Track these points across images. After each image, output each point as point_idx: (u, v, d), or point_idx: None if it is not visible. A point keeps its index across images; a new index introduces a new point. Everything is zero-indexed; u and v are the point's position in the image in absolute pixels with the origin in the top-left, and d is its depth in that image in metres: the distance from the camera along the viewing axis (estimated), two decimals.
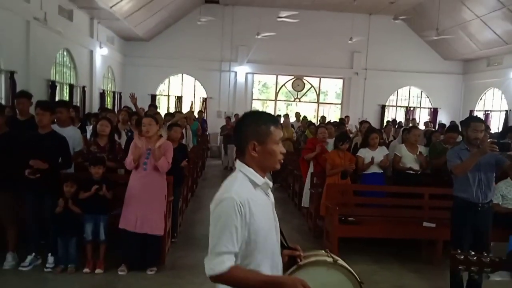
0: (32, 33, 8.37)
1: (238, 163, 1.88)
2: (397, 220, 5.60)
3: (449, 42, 14.48)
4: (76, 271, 4.57)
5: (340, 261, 2.01)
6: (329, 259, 1.97)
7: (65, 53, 10.71)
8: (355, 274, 1.98)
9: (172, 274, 4.70)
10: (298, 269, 1.97)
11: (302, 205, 7.15)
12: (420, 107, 17.14)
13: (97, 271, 4.59)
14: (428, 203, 5.61)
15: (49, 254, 4.63)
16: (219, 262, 1.69)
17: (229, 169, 11.93)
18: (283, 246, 1.98)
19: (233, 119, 13.11)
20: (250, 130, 1.84)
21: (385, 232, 5.33)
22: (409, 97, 17.10)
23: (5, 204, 4.60)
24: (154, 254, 4.72)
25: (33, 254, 4.68)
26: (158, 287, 4.37)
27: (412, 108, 16.92)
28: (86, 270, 4.59)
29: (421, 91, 16.98)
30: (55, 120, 5.22)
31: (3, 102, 7.42)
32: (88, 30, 11.85)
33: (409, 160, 5.87)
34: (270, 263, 1.84)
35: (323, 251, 2.15)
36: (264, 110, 18.22)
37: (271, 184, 1.89)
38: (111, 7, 10.52)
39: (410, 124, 11.63)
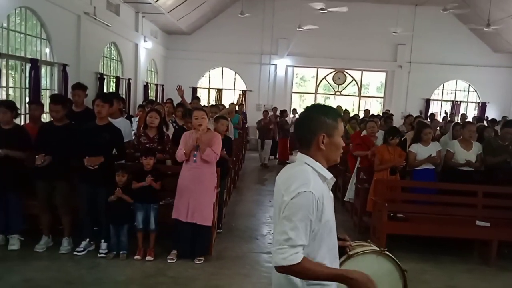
0: (83, 27, 8.64)
1: (301, 156, 1.88)
2: (449, 218, 5.41)
3: (500, 34, 13.81)
4: (127, 258, 4.71)
5: (386, 251, 2.11)
6: (376, 248, 2.06)
7: (112, 47, 11.01)
8: (399, 262, 2.05)
9: (219, 265, 4.76)
10: (348, 259, 2.08)
11: (345, 199, 7.05)
12: (467, 102, 16.49)
13: (147, 258, 4.71)
14: (482, 202, 5.39)
15: (102, 241, 4.80)
16: (293, 253, 1.69)
17: (264, 166, 11.87)
18: None
19: (270, 113, 12.93)
20: (319, 123, 1.85)
21: (436, 230, 5.16)
22: (455, 91, 16.48)
23: (61, 194, 4.79)
24: (203, 244, 4.79)
25: (87, 240, 4.86)
26: (206, 276, 4.43)
27: (458, 103, 16.31)
28: (137, 257, 4.72)
29: (469, 85, 16.32)
30: None
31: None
32: (134, 24, 12.11)
33: (463, 157, 5.66)
34: (332, 255, 1.88)
35: (367, 242, 2.24)
36: (301, 103, 18.18)
37: (335, 179, 1.92)
38: (155, 1, 10.70)
39: (456, 119, 11.25)
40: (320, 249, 1.80)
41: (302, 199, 1.72)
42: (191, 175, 4.68)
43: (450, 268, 4.98)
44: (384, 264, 1.99)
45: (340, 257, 2.02)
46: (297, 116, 13.61)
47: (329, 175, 1.87)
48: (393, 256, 1.97)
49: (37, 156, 4.55)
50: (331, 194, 1.93)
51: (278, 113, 13.26)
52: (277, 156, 12.84)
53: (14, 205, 4.83)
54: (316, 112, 1.89)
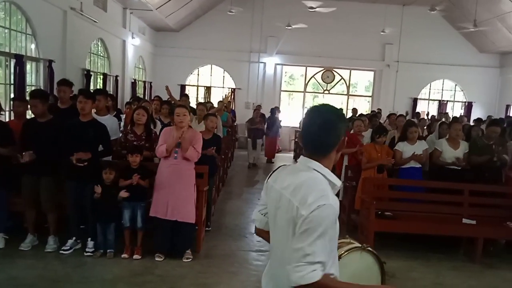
0: (69, 23, 8.51)
1: (307, 160, 1.75)
2: (436, 216, 5.47)
3: (486, 34, 13.99)
4: (115, 257, 4.67)
5: (365, 245, 2.10)
6: (358, 244, 2.04)
7: (99, 43, 10.88)
8: (378, 254, 2.08)
9: (207, 263, 4.74)
10: (338, 260, 1.98)
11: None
12: (454, 101, 16.67)
13: (135, 257, 4.67)
14: (468, 200, 5.45)
15: (89, 239, 4.75)
16: (312, 271, 1.58)
17: (251, 167, 11.59)
18: None
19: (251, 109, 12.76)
20: (342, 125, 1.75)
21: (423, 228, 5.21)
22: (442, 90, 16.65)
23: (46, 190, 4.72)
24: (184, 241, 4.76)
25: (74, 238, 4.80)
26: (194, 274, 4.41)
27: (445, 102, 16.48)
28: (124, 255, 4.68)
29: (455, 85, 16.51)
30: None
31: None
32: (121, 21, 11.98)
33: (450, 156, 5.72)
34: (336, 267, 1.79)
35: (346, 238, 2.23)
36: (290, 101, 18.19)
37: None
38: None
39: (443, 118, 11.36)
40: (329, 260, 1.69)
41: (323, 213, 1.59)
42: (170, 171, 4.65)
43: (437, 265, 5.03)
44: (367, 259, 1.98)
45: None
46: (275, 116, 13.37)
47: (338, 182, 1.76)
48: (374, 251, 1.96)
49: (24, 153, 4.47)
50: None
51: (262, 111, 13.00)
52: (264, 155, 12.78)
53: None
54: (335, 115, 1.76)
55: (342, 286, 1.68)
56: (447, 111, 15.05)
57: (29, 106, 4.87)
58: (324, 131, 1.72)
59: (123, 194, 4.60)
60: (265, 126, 12.25)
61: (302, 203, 1.62)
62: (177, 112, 4.73)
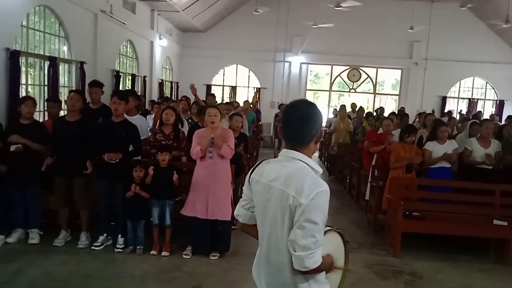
0: (100, 25, 8.76)
1: (289, 152, 1.86)
2: (465, 217, 5.37)
3: None
4: (144, 253, 4.78)
5: (335, 227, 2.14)
6: (329, 227, 2.07)
7: (128, 45, 11.12)
8: (343, 234, 2.11)
9: (234, 261, 4.79)
10: None
11: (366, 198, 7.01)
12: (485, 99, 16.25)
13: (163, 253, 4.77)
14: (499, 200, 5.32)
15: (119, 236, 4.88)
16: (319, 254, 1.75)
17: None
18: None
19: (276, 109, 12.81)
20: (320, 118, 1.89)
21: (452, 229, 5.12)
22: (472, 88, 16.24)
23: (79, 188, 4.87)
24: (224, 239, 4.84)
25: (105, 235, 4.95)
26: (221, 272, 4.47)
27: (475, 100, 16.07)
28: (153, 252, 4.78)
29: (486, 82, 16.08)
30: None
31: None
32: (149, 22, 12.22)
33: (480, 155, 5.60)
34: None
35: None
36: (315, 100, 18.10)
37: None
38: None
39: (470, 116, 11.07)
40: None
41: (321, 199, 1.73)
42: (208, 172, 4.72)
43: (466, 267, 4.93)
44: (336, 239, 2.08)
45: None
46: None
47: (320, 170, 1.89)
48: (341, 232, 2.10)
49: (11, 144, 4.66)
50: None
51: None
52: None
53: (34, 200, 4.94)
54: (314, 108, 1.90)
55: (326, 260, 1.84)
56: (479, 110, 14.63)
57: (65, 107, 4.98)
58: (305, 125, 1.86)
59: (136, 189, 4.70)
60: None
61: (299, 192, 1.74)
62: (209, 113, 4.78)
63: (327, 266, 1.85)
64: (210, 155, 4.70)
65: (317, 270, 1.78)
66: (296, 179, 1.77)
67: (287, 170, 1.81)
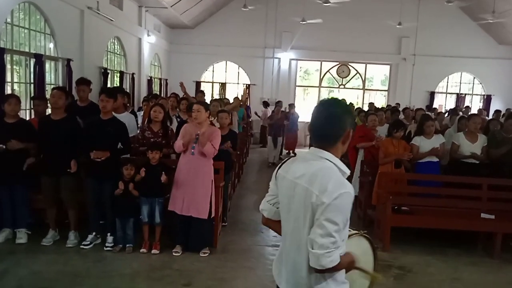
0: (86, 22, 8.64)
1: (317, 151, 1.85)
2: (453, 211, 5.42)
3: (505, 26, 13.70)
4: (134, 251, 4.75)
5: (362, 231, 2.16)
6: (355, 230, 2.10)
7: (115, 41, 11.01)
8: (372, 240, 2.12)
9: (224, 258, 4.79)
10: None
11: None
12: (472, 94, 16.40)
13: (153, 251, 4.75)
14: (487, 194, 5.39)
15: (108, 234, 4.85)
16: (337, 254, 1.74)
17: (272, 166, 11.11)
18: None
19: (272, 106, 12.69)
20: (348, 118, 1.86)
21: (440, 222, 5.17)
22: (460, 83, 16.39)
23: (66, 188, 4.82)
24: (200, 237, 4.81)
25: (94, 233, 4.91)
26: (211, 269, 4.47)
27: (463, 95, 16.22)
28: (142, 250, 4.76)
29: (473, 77, 16.23)
30: None
31: None
32: (137, 19, 12.10)
33: (468, 150, 5.65)
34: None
35: None
36: (305, 96, 18.14)
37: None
38: None
39: (461, 112, 11.18)
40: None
41: (344, 200, 1.71)
42: (188, 167, 4.71)
43: (454, 260, 4.99)
44: (364, 244, 2.10)
45: None
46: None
47: (348, 171, 1.86)
48: (369, 237, 2.11)
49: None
50: None
51: (284, 108, 13.08)
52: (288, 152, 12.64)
53: (21, 199, 4.89)
54: (343, 108, 1.88)
55: (344, 259, 1.80)
56: (467, 105, 14.78)
57: (50, 100, 4.88)
58: (330, 124, 1.85)
59: (130, 188, 4.71)
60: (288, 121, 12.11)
61: (322, 191, 1.72)
62: (193, 109, 4.80)
63: (345, 264, 1.82)
64: (193, 151, 4.67)
65: (334, 269, 1.77)
66: (321, 178, 1.76)
67: (313, 168, 1.81)
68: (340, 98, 1.96)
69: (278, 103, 12.57)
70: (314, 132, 1.90)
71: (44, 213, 4.98)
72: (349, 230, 2.16)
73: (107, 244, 4.81)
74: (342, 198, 1.70)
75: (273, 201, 2.05)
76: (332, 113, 1.85)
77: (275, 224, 2.07)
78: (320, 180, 1.75)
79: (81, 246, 4.79)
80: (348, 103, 12.31)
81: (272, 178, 2.04)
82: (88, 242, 4.84)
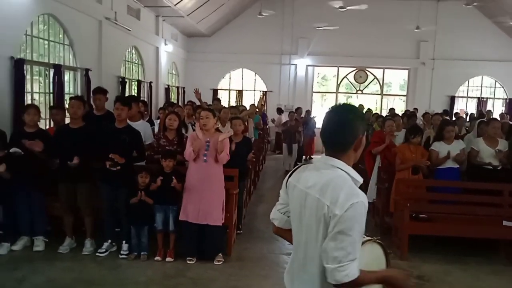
0: (104, 32, 8.81)
1: (328, 159, 1.79)
2: (473, 218, 5.27)
3: None
4: (148, 259, 4.77)
5: (375, 237, 2.09)
6: (368, 237, 2.03)
7: (133, 51, 11.18)
8: (384, 245, 2.04)
9: (238, 266, 4.76)
10: None
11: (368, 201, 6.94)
12: (494, 98, 16.02)
13: (168, 259, 4.76)
14: (508, 201, 5.23)
15: (124, 242, 4.88)
16: (353, 269, 1.65)
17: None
18: None
19: (286, 113, 12.63)
20: (359, 125, 1.80)
21: (460, 230, 5.03)
22: (481, 87, 16.05)
23: (83, 195, 4.88)
24: (214, 244, 4.79)
25: (109, 241, 4.95)
26: (225, 277, 4.44)
27: (484, 99, 15.87)
28: (157, 258, 4.77)
29: (495, 81, 15.87)
30: None
31: None
32: (154, 28, 12.27)
33: (488, 155, 5.50)
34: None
35: None
36: (323, 102, 18.05)
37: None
38: (175, 4, 10.83)
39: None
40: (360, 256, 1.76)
41: (356, 211, 1.64)
42: (200, 175, 4.70)
43: (475, 269, 4.84)
44: (377, 251, 2.02)
45: None
46: (314, 116, 13.46)
47: (361, 179, 1.79)
48: (382, 242, 2.04)
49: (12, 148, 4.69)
50: None
51: (303, 114, 13.01)
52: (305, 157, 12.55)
53: (38, 207, 4.97)
54: (354, 114, 1.81)
55: (370, 276, 1.73)
56: (489, 109, 14.45)
57: (70, 109, 4.96)
58: (341, 130, 1.78)
59: (142, 196, 4.71)
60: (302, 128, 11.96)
61: (334, 202, 1.66)
62: (201, 115, 4.82)
63: (373, 280, 1.74)
64: (205, 158, 4.67)
65: (353, 285, 1.67)
66: (332, 188, 1.69)
67: (324, 178, 1.74)
68: (353, 104, 1.90)
69: (298, 110, 12.47)
70: (325, 139, 1.83)
71: (61, 221, 5.04)
72: (363, 236, 2.13)
73: (122, 252, 4.84)
74: (355, 208, 1.63)
75: (284, 210, 2.00)
76: (343, 119, 1.79)
77: (286, 233, 2.01)
78: (332, 191, 1.69)
79: (97, 254, 4.84)
80: (366, 108, 12.28)
81: (283, 186, 1.99)
82: (104, 250, 4.88)
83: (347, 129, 1.78)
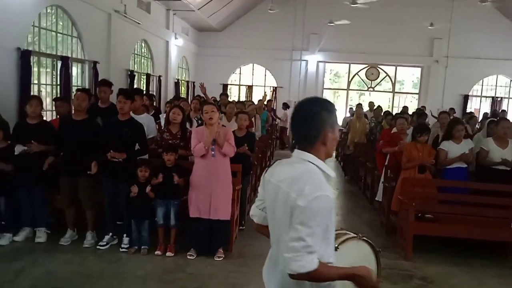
0: (113, 25, 8.81)
1: (300, 153, 1.78)
2: (481, 219, 5.14)
3: None
4: (148, 253, 4.74)
5: (361, 234, 2.06)
6: (353, 234, 2.01)
7: (143, 44, 11.18)
8: (373, 244, 2.00)
9: (238, 262, 4.71)
10: (336, 250, 1.98)
11: (376, 199, 6.84)
12: (509, 98, 15.72)
13: (168, 254, 4.72)
14: None
15: (124, 235, 4.86)
16: (310, 260, 1.62)
17: None
18: None
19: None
20: (326, 118, 1.77)
21: (467, 231, 4.90)
22: (496, 86, 15.73)
23: (84, 189, 4.87)
24: (222, 238, 4.76)
25: (110, 234, 4.93)
26: (225, 274, 4.39)
27: (499, 99, 15.56)
28: (157, 252, 4.74)
29: (510, 80, 15.55)
30: None
31: None
32: (164, 22, 12.26)
33: (497, 155, 5.36)
34: (333, 254, 1.81)
35: (341, 229, 2.19)
36: (335, 99, 17.91)
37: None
38: None
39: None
40: (327, 249, 1.74)
41: (320, 204, 1.63)
42: (209, 171, 4.65)
43: (480, 272, 4.71)
44: (364, 248, 1.98)
45: None
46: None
47: (332, 173, 1.79)
48: (369, 240, 1.99)
49: (16, 146, 4.67)
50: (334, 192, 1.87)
51: None
52: None
53: (41, 200, 4.97)
54: (320, 107, 1.79)
55: (333, 271, 1.70)
56: (503, 109, 14.16)
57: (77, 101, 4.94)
58: (305, 124, 1.77)
59: (150, 193, 4.69)
60: None
61: (299, 194, 1.65)
62: (205, 110, 4.72)
63: (342, 276, 1.71)
64: (213, 153, 4.63)
65: (311, 278, 1.66)
66: (301, 181, 1.69)
67: (295, 172, 1.74)
68: (323, 97, 1.89)
69: None
70: (293, 133, 1.83)
71: (63, 213, 5.04)
72: (347, 233, 2.09)
73: (122, 245, 4.83)
74: (319, 201, 1.62)
75: (262, 206, 1.98)
76: (307, 113, 1.77)
77: (264, 229, 1.97)
78: (299, 183, 1.68)
79: (98, 247, 4.82)
80: (376, 106, 12.11)
81: (261, 182, 1.97)
82: (105, 243, 4.87)
83: (311, 122, 1.76)
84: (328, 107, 1.80)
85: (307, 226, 1.62)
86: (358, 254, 1.89)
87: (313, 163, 1.74)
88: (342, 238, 2.00)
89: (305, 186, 1.65)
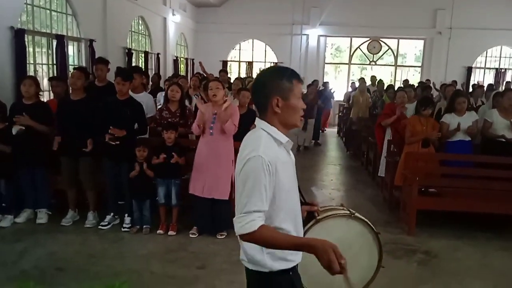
0: (109, 2, 8.60)
1: (258, 121, 1.83)
2: (485, 192, 5.09)
3: None
4: (150, 232, 4.73)
5: (357, 214, 2.04)
6: (346, 212, 2.00)
7: (140, 21, 10.96)
8: (372, 225, 1.98)
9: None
10: (316, 223, 2.04)
11: (378, 175, 6.78)
12: None
13: (170, 233, 4.72)
14: None
15: (126, 215, 4.85)
16: (249, 221, 1.64)
17: (303, 150, 10.09)
18: (301, 203, 1.98)
19: (321, 87, 12.43)
20: (273, 85, 1.79)
21: (471, 205, 4.86)
22: (500, 57, 15.46)
23: (85, 169, 4.83)
24: (222, 218, 4.70)
25: (112, 214, 4.92)
26: (227, 252, 4.38)
27: (503, 70, 15.32)
28: (159, 231, 4.73)
29: None
30: None
31: None
32: None
33: (502, 127, 5.27)
34: (293, 223, 1.83)
35: (341, 206, 2.20)
36: (337, 74, 17.67)
37: (292, 143, 1.85)
38: None
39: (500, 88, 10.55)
40: (278, 215, 1.77)
41: (252, 164, 1.67)
42: (208, 149, 4.59)
43: (484, 245, 4.69)
44: (355, 227, 1.98)
45: (308, 222, 2.05)
46: (331, 89, 13.30)
47: (284, 139, 1.80)
48: (365, 219, 1.97)
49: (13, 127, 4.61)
50: (292, 158, 1.89)
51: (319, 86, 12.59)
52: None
53: (42, 181, 4.95)
54: (269, 75, 1.84)
55: (282, 237, 1.70)
56: (508, 80, 13.94)
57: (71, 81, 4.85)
58: (255, 91, 1.86)
59: (145, 170, 4.66)
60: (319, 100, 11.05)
61: (239, 158, 1.75)
62: (210, 86, 4.64)
63: (291, 246, 1.68)
64: (211, 131, 4.55)
65: (254, 240, 1.66)
66: (246, 147, 1.76)
67: (246, 140, 1.83)
68: (279, 66, 1.92)
69: (314, 82, 11.39)
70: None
71: (65, 194, 5.02)
72: (337, 210, 2.05)
73: (124, 225, 4.82)
74: (251, 162, 1.67)
75: None
76: (257, 81, 1.86)
77: None
78: (243, 148, 1.76)
79: (99, 227, 4.82)
80: (378, 79, 11.92)
81: None
82: (106, 223, 4.86)
83: (259, 89, 1.82)
84: (281, 75, 1.80)
85: (244, 186, 1.66)
86: (349, 232, 1.89)
87: (264, 130, 1.78)
88: (329, 213, 1.99)
89: (244, 150, 1.73)
